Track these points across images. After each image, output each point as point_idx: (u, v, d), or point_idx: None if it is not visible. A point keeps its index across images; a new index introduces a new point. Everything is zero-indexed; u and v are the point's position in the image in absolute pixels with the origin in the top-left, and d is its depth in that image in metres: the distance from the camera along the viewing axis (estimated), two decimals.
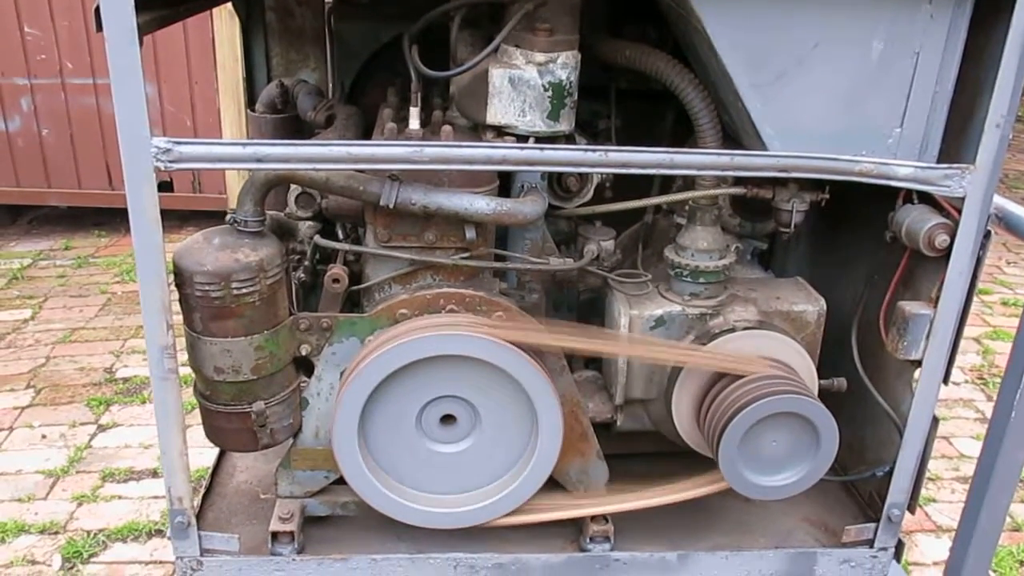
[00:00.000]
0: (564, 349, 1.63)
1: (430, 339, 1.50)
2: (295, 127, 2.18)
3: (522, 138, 1.57)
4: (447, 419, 1.63)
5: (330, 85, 2.19)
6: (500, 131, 1.58)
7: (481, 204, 1.50)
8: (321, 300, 1.62)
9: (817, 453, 1.62)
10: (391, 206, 1.47)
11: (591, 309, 1.87)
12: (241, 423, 1.58)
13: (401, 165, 1.40)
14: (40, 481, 3.38)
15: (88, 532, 3.08)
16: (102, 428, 3.72)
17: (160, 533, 3.09)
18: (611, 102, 1.88)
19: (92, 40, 5.22)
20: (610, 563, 1.73)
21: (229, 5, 2.21)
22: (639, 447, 1.88)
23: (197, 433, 1.71)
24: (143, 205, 1.39)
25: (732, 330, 1.70)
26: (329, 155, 1.38)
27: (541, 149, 1.38)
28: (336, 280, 1.56)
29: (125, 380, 4.06)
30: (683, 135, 1.89)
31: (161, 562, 2.96)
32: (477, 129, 1.64)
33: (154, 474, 3.42)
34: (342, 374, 1.63)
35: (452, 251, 1.59)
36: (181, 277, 1.48)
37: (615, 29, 1.79)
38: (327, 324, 1.59)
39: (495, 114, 1.55)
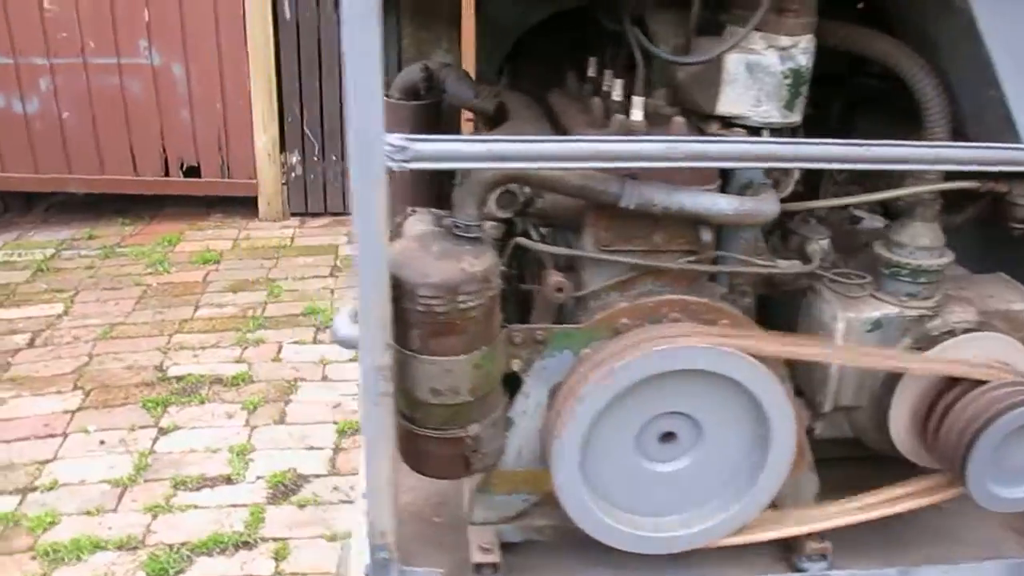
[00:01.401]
0: (795, 357, 1.50)
1: (674, 352, 1.36)
2: (437, 115, 2.02)
3: (754, 130, 1.42)
4: (666, 436, 1.50)
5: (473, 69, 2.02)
6: (727, 122, 1.44)
7: (724, 204, 1.36)
8: (534, 310, 1.48)
9: None
10: (631, 207, 1.32)
11: (760, 310, 1.75)
12: (452, 448, 1.43)
13: (655, 163, 1.25)
14: (107, 491, 3.21)
15: (170, 546, 2.92)
16: (163, 432, 3.55)
17: (247, 545, 2.94)
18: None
19: (117, 17, 4.97)
20: None
21: None
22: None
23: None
24: (371, 208, 1.23)
25: (952, 332, 1.59)
26: (578, 152, 1.23)
27: (811, 144, 1.24)
28: (559, 289, 1.41)
29: (179, 379, 3.89)
30: (848, 124, 1.77)
31: None
32: (690, 120, 1.49)
33: (228, 480, 3.27)
34: (552, 390, 1.49)
35: (678, 254, 1.45)
36: (400, 290, 1.32)
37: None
38: (541, 337, 1.44)
39: (726, 103, 1.40)
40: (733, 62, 1.38)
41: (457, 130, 2.08)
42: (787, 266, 1.50)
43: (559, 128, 1.55)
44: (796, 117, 1.43)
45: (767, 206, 1.40)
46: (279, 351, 4.14)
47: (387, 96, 2.00)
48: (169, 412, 3.66)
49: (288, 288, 4.75)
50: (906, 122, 1.58)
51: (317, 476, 3.32)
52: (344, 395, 3.81)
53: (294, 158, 5.50)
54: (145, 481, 3.26)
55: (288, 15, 5.14)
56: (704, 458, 1.52)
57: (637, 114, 1.40)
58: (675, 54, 1.44)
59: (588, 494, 1.49)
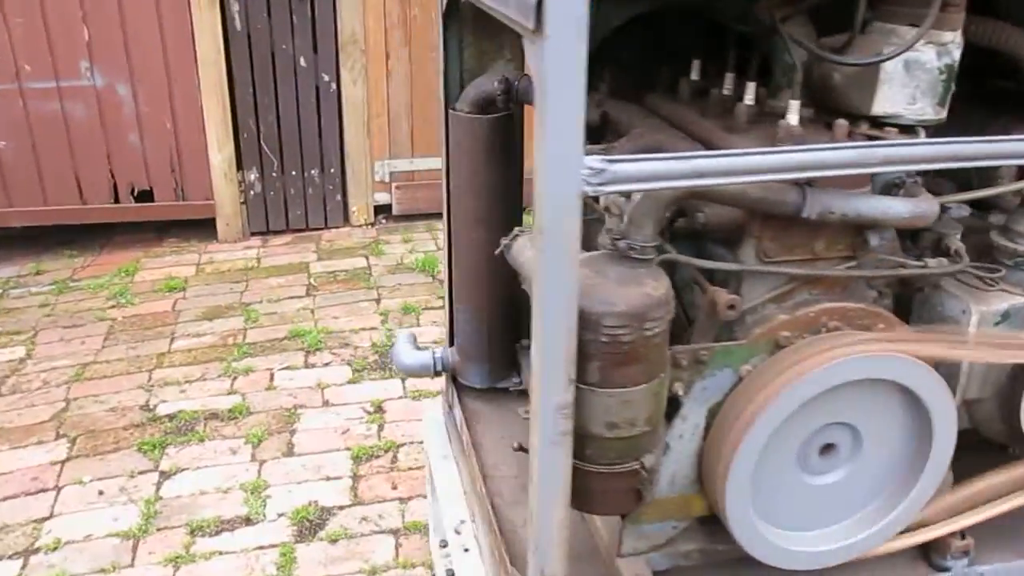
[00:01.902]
0: (953, 358, 1.48)
1: (856, 362, 1.33)
2: (511, 128, 1.93)
3: (906, 128, 1.40)
4: (826, 448, 1.46)
5: None
6: (876, 121, 1.40)
7: (899, 207, 1.33)
8: (697, 329, 1.41)
9: None
10: (813, 216, 1.27)
11: None
12: (624, 482, 1.36)
13: (847, 170, 1.20)
14: (118, 545, 2.99)
15: None
16: (165, 475, 3.33)
17: None
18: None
19: (53, 37, 4.64)
20: None
21: None
22: None
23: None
24: (563, 237, 1.14)
25: None
26: (772, 164, 1.16)
27: (1008, 142, 1.22)
28: (732, 306, 1.35)
29: (170, 417, 3.66)
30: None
31: None
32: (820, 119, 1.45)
33: (247, 521, 3.09)
34: (711, 411, 1.43)
35: (836, 261, 1.41)
36: (583, 321, 1.24)
37: None
38: (704, 356, 1.38)
39: (882, 103, 1.37)
40: (891, 60, 1.35)
41: (522, 143, 1.99)
42: (937, 265, 1.48)
43: (693, 136, 1.49)
44: (944, 113, 1.41)
45: (931, 206, 1.38)
46: (271, 379, 3.95)
47: (454, 109, 1.91)
48: (168, 454, 3.44)
49: (265, 312, 4.54)
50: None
51: (341, 508, 3.17)
52: (350, 419, 3.65)
53: (252, 175, 5.27)
54: (158, 530, 3.05)
55: (239, 26, 4.92)
56: (863, 466, 1.49)
57: (793, 118, 1.36)
58: (833, 55, 1.39)
59: (757, 517, 1.44)
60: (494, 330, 2.09)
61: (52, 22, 4.61)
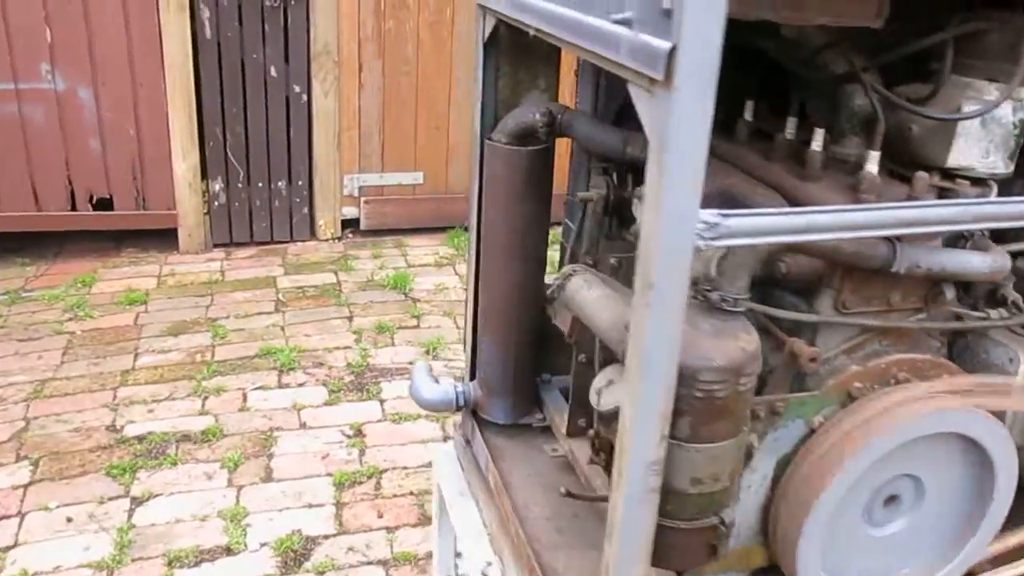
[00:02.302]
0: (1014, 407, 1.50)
1: (937, 416, 1.32)
2: (548, 161, 1.89)
3: (977, 181, 1.40)
4: (890, 499, 1.46)
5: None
6: (947, 173, 1.41)
7: (978, 262, 1.33)
8: (772, 380, 1.39)
9: None
10: (902, 271, 1.27)
11: None
12: (703, 537, 1.32)
13: (945, 227, 1.20)
14: None
15: None
16: (138, 501, 3.17)
17: None
18: None
19: (13, 38, 4.42)
20: None
21: None
22: None
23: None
24: (672, 293, 1.10)
25: None
26: (884, 220, 1.15)
27: None
28: (813, 359, 1.33)
29: (139, 439, 3.49)
30: None
31: None
32: (892, 173, 1.45)
33: (228, 551, 2.96)
34: (778, 462, 1.41)
35: (909, 312, 1.41)
36: (679, 376, 1.20)
37: None
38: (780, 408, 1.36)
39: (957, 155, 1.37)
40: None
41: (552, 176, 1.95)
42: (998, 316, 1.49)
43: (763, 181, 1.47)
44: (1012, 167, 1.42)
45: (1005, 260, 1.39)
46: (244, 399, 3.81)
47: (491, 140, 1.87)
48: (139, 478, 3.28)
49: (233, 328, 4.39)
50: None
51: (326, 537, 3.07)
52: (329, 443, 3.55)
53: (217, 185, 5.11)
54: (133, 561, 2.90)
55: (209, 33, 4.77)
56: (923, 516, 1.49)
57: (873, 168, 1.35)
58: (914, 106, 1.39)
59: (823, 571, 1.42)
60: (520, 365, 2.04)
61: (12, 21, 4.39)
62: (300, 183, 5.22)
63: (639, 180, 1.81)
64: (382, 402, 3.83)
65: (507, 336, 2.00)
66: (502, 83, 1.91)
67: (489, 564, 1.94)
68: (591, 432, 1.70)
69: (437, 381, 2.14)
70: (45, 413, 3.64)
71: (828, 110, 1.48)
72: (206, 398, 3.80)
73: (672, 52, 0.98)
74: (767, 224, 1.12)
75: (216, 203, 5.14)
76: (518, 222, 1.90)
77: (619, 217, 1.84)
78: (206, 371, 3.99)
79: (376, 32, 4.99)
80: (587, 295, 1.56)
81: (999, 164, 1.40)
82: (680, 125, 1.02)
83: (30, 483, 3.23)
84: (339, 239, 5.41)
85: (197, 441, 3.52)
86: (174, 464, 3.37)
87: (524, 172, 1.85)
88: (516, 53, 1.89)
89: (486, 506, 2.04)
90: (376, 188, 5.33)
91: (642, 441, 1.20)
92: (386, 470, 3.41)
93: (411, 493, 3.29)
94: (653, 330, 1.13)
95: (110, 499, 3.17)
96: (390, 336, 4.36)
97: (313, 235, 5.37)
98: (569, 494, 1.68)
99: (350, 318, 4.53)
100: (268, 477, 3.34)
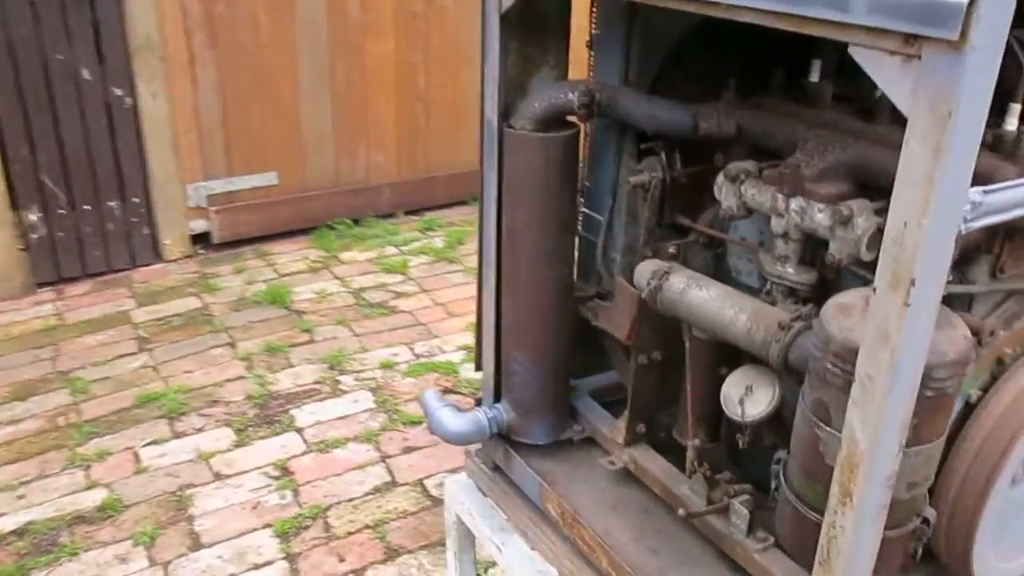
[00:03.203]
0: None
1: None
2: (576, 147, 1.67)
3: None
4: None
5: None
6: None
7: None
8: None
9: None
10: None
11: None
12: (907, 542, 1.20)
13: None
14: None
15: None
16: None
17: None
18: None
19: None
20: None
21: None
22: None
23: None
24: (934, 287, 0.95)
25: None
26: None
27: None
28: (992, 333, 1.23)
29: (19, 533, 2.91)
30: None
31: None
32: None
33: None
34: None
35: None
36: None
37: None
38: None
39: None
40: None
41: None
42: None
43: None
44: None
45: None
46: (137, 459, 3.29)
47: (511, 127, 1.63)
48: None
49: (95, 378, 3.78)
50: None
51: None
52: (255, 490, 3.14)
53: (33, 215, 4.37)
54: None
55: None
56: None
57: (1012, 123, 1.26)
58: None
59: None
60: (559, 379, 1.83)
61: None
62: (136, 200, 4.58)
63: (691, 160, 1.65)
64: (299, 431, 3.45)
65: (545, 350, 1.78)
66: (511, 61, 1.67)
67: None
68: (695, 442, 1.53)
69: (460, 409, 1.88)
70: None
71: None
72: (88, 467, 3.24)
73: (971, 6, 0.81)
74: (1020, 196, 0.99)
75: (34, 236, 4.41)
76: (553, 221, 1.68)
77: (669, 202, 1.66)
78: (77, 435, 3.40)
79: (205, 18, 4.43)
80: (700, 295, 1.38)
81: None
82: (972, 92, 0.86)
83: None
84: (191, 257, 4.82)
85: (94, 521, 2.98)
86: (74, 554, 2.84)
87: (559, 164, 1.63)
88: (527, 28, 1.66)
89: (543, 539, 1.83)
90: (226, 195, 4.79)
91: (881, 455, 1.05)
92: (330, 506, 3.06)
93: (367, 526, 2.97)
94: (909, 333, 0.97)
95: None
96: (284, 357, 3.94)
97: (159, 257, 4.75)
98: (690, 515, 1.50)
99: (232, 344, 4.04)
100: (196, 544, 2.90)
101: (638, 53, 1.65)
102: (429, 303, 4.44)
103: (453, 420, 1.84)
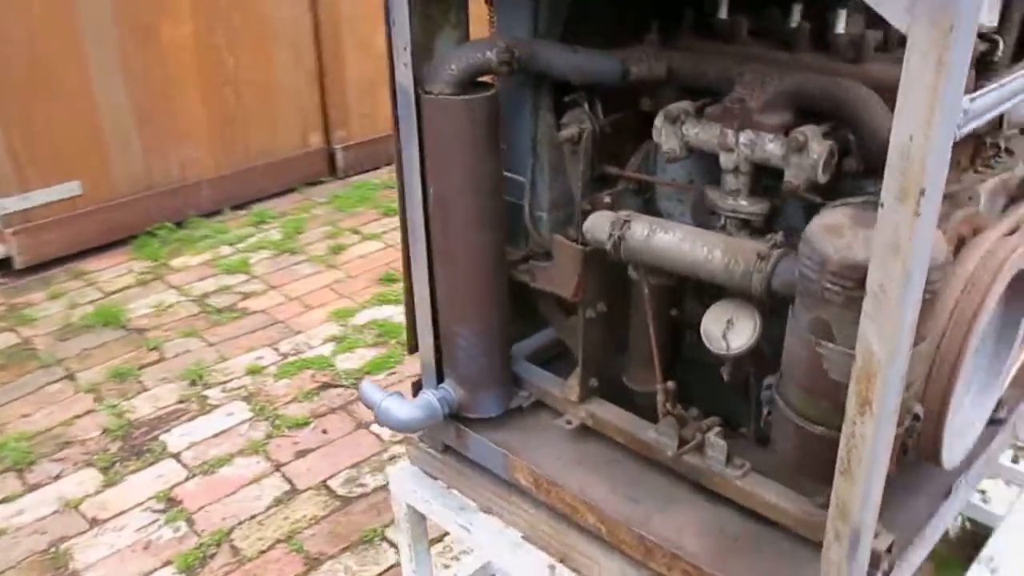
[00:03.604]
0: None
1: None
2: (499, 109, 1.62)
3: None
4: None
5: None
6: None
7: None
8: None
9: None
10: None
11: None
12: (899, 442, 1.29)
13: None
14: None
15: None
16: None
17: None
18: None
19: None
20: None
21: None
22: None
23: None
24: (936, 195, 1.01)
25: None
26: None
27: None
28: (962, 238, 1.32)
29: None
30: None
31: None
32: None
33: None
34: None
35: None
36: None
37: None
38: None
39: None
40: None
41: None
42: None
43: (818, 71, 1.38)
44: None
45: None
46: None
47: (428, 92, 1.57)
48: None
49: None
50: None
51: None
52: (142, 528, 2.87)
53: None
54: None
55: None
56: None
57: None
58: None
59: None
60: (504, 348, 1.79)
61: None
62: None
63: (612, 108, 1.65)
64: (175, 457, 3.18)
65: (490, 320, 1.74)
66: (414, 22, 1.58)
67: (552, 568, 1.73)
68: (667, 385, 1.55)
69: (402, 396, 1.80)
70: None
71: None
72: None
73: None
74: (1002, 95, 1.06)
75: None
76: (485, 185, 1.63)
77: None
78: None
79: None
80: (667, 238, 1.39)
81: None
82: (968, 2, 0.90)
83: None
84: None
85: None
86: None
87: (486, 125, 1.58)
88: None
89: (513, 510, 1.80)
90: (22, 214, 4.26)
91: (897, 362, 1.11)
92: (232, 529, 2.86)
93: (279, 540, 2.81)
94: (919, 242, 1.03)
95: None
96: (136, 380, 3.60)
97: None
98: (675, 456, 1.53)
99: (70, 377, 3.64)
100: None
101: (547, 5, 1.62)
102: (282, 299, 4.22)
103: (403, 408, 1.76)
